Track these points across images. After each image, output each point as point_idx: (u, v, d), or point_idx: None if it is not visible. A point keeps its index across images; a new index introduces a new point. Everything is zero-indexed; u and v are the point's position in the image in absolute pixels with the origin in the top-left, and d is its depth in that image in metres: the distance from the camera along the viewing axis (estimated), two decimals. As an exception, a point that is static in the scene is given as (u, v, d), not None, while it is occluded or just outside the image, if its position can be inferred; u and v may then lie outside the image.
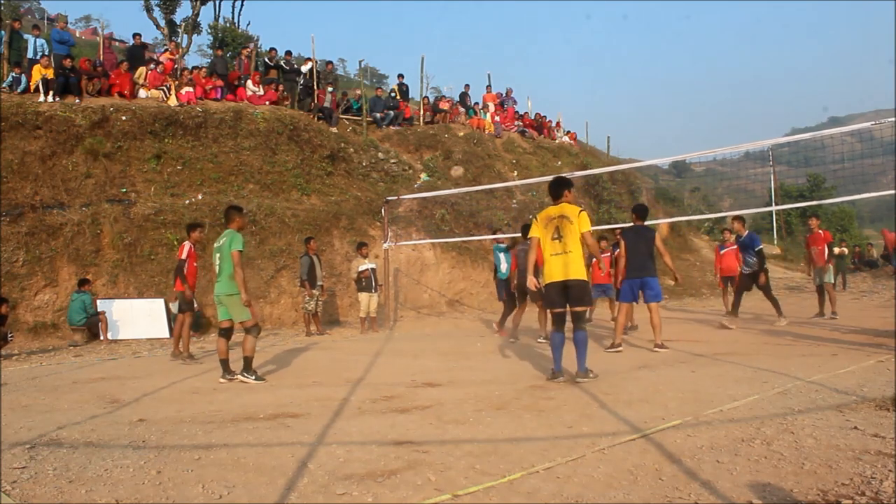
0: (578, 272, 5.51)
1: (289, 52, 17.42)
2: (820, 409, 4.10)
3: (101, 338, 10.08)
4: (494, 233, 13.42)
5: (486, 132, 19.27)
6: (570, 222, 5.51)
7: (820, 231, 11.14)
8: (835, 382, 4.96)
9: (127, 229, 11.31)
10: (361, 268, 10.95)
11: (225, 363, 6.15)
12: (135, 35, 15.32)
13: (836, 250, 18.51)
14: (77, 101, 12.38)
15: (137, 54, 14.44)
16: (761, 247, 9.98)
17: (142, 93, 13.55)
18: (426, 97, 20.06)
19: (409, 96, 19.77)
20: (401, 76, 19.67)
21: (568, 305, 5.57)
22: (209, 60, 18.02)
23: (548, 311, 5.90)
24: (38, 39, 13.41)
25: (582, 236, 5.51)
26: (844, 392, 4.60)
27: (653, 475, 2.95)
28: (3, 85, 12.33)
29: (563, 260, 5.50)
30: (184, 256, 7.76)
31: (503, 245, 10.01)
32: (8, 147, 11.18)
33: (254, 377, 6.02)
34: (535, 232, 5.72)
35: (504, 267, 9.56)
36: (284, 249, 12.33)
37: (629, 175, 22.14)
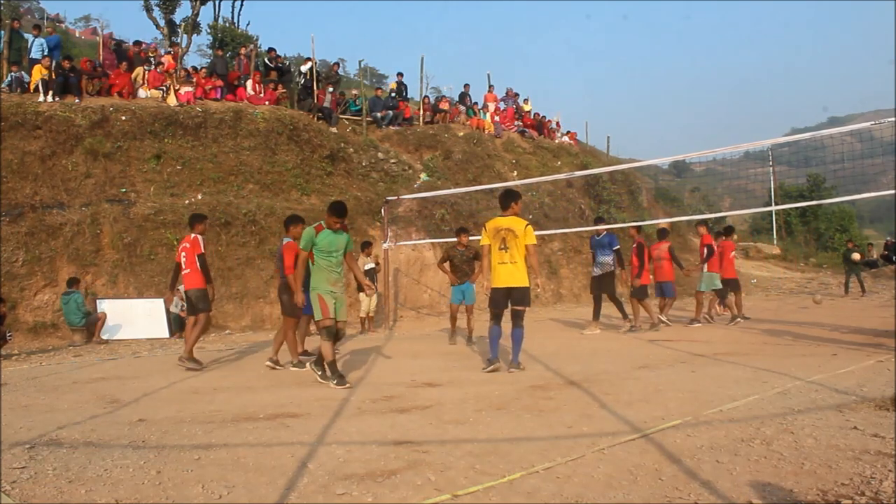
0: (522, 280, 6.19)
1: (272, 50, 17.08)
2: (820, 409, 4.10)
3: (96, 337, 9.93)
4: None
5: (486, 132, 19.26)
6: (515, 235, 6.17)
7: (703, 235, 10.67)
8: (835, 382, 4.97)
9: (127, 229, 11.31)
10: (367, 267, 10.95)
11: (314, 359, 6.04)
12: (135, 42, 15.24)
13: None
14: (77, 101, 12.38)
15: (124, 56, 14.25)
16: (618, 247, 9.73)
17: (141, 93, 13.55)
18: (426, 97, 20.06)
19: (408, 95, 19.76)
20: (400, 74, 19.69)
21: (510, 305, 6.25)
22: (209, 60, 18.01)
23: (490, 309, 6.48)
24: (38, 39, 13.40)
25: (526, 248, 6.15)
26: (844, 392, 4.60)
27: (653, 475, 2.96)
28: (3, 85, 12.33)
29: (510, 269, 6.18)
30: (203, 250, 7.17)
31: None
32: (8, 147, 11.18)
33: (335, 381, 5.63)
34: (485, 240, 6.35)
35: None
36: (284, 249, 12.32)
37: (629, 175, 22.14)
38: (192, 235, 7.18)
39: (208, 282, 7.18)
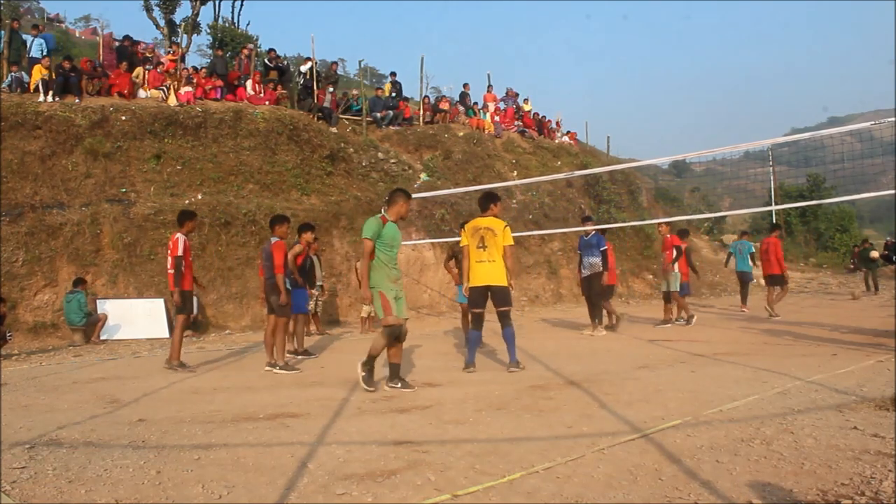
0: (500, 279, 6.23)
1: (272, 50, 17.19)
2: (820, 409, 4.10)
3: (93, 337, 9.90)
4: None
5: (486, 132, 19.26)
6: (494, 235, 6.26)
7: (667, 236, 10.66)
8: (835, 382, 4.97)
9: (127, 229, 11.31)
10: None
11: (393, 367, 5.56)
12: (125, 37, 15.21)
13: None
14: (77, 101, 12.38)
15: (124, 56, 14.27)
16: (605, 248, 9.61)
17: (141, 93, 13.55)
18: (426, 97, 20.07)
19: (403, 93, 19.74)
20: (393, 74, 19.70)
21: (495, 307, 6.24)
22: (209, 60, 18.01)
23: (470, 310, 6.52)
24: (36, 39, 13.40)
25: (504, 249, 6.23)
26: (844, 392, 4.60)
27: (653, 475, 2.96)
28: (3, 85, 12.33)
29: (487, 267, 6.24)
30: (180, 252, 6.83)
31: None
32: (8, 147, 11.18)
33: (363, 375, 5.39)
34: (464, 241, 6.45)
35: None
36: (284, 249, 12.32)
37: (629, 175, 22.13)
38: (176, 235, 6.94)
39: (176, 284, 6.82)
